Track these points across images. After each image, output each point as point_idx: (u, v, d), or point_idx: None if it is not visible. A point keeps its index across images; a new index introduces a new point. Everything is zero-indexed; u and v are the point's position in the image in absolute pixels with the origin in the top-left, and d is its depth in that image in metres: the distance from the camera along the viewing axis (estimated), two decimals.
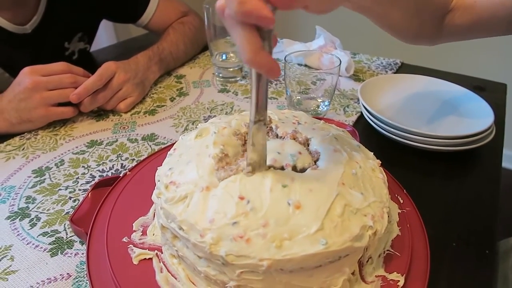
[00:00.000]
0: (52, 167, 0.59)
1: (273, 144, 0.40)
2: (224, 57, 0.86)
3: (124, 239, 0.41)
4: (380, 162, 0.42)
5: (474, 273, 0.44)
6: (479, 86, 0.85)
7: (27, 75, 0.64)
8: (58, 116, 0.68)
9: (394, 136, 0.62)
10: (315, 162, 0.38)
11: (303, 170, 0.37)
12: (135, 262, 0.39)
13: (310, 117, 0.48)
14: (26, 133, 0.67)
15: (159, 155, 0.56)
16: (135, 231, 0.43)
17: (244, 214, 0.33)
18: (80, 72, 0.69)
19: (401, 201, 0.47)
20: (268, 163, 0.37)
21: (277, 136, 0.43)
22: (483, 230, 0.50)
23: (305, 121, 0.46)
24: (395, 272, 0.38)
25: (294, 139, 0.43)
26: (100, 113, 0.74)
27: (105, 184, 0.51)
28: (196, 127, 0.46)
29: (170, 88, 0.84)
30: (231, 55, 0.86)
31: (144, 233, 0.42)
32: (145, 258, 0.39)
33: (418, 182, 0.57)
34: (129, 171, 0.53)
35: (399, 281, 0.37)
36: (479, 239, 0.48)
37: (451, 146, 0.59)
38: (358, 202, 0.35)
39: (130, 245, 0.41)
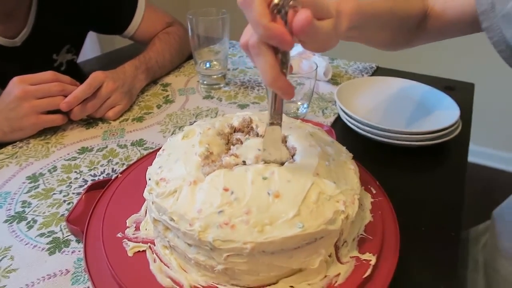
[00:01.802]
0: (45, 173, 0.62)
1: (254, 142, 0.44)
2: (208, 65, 0.90)
3: (118, 235, 0.44)
4: (352, 155, 0.46)
5: (442, 252, 0.48)
6: (449, 86, 0.90)
7: (16, 85, 0.67)
8: (48, 124, 0.70)
9: (369, 134, 0.67)
10: (292, 156, 0.42)
11: (282, 164, 0.41)
12: (130, 254, 0.42)
13: (288, 117, 0.52)
14: (18, 142, 0.69)
15: (148, 159, 0.59)
16: (128, 227, 0.46)
17: (228, 203, 0.36)
18: (67, 80, 0.72)
19: (374, 192, 0.51)
20: (249, 162, 0.41)
21: (257, 134, 0.47)
22: (450, 216, 0.54)
23: (283, 120, 0.50)
24: (368, 253, 0.41)
25: None
26: (89, 121, 0.76)
27: (98, 187, 0.54)
28: (182, 131, 0.49)
29: (157, 96, 0.88)
30: (215, 63, 0.89)
31: (137, 228, 0.46)
32: (139, 251, 0.42)
33: (392, 175, 0.61)
34: (121, 173, 0.56)
35: (371, 260, 0.41)
36: (447, 224, 0.52)
37: (421, 141, 0.64)
38: (331, 190, 0.39)
39: (125, 240, 0.44)
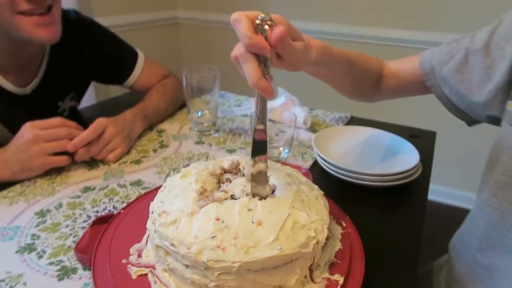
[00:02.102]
0: (52, 210, 0.68)
1: (241, 180, 0.53)
2: (199, 114, 1.00)
3: (123, 261, 0.51)
4: (323, 193, 0.55)
5: (401, 276, 0.56)
6: (414, 134, 1.02)
7: (28, 129, 0.75)
8: (55, 164, 0.78)
9: (342, 176, 0.76)
10: (272, 192, 0.51)
11: (264, 198, 0.50)
12: (134, 277, 0.49)
13: (271, 161, 0.61)
14: (25, 181, 0.76)
15: (146, 197, 0.66)
16: (131, 254, 0.52)
17: (220, 230, 0.44)
18: (73, 125, 0.80)
19: (344, 225, 0.60)
20: (238, 195, 0.50)
21: (243, 175, 0.56)
22: (411, 246, 0.62)
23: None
24: (337, 274, 0.49)
25: None
26: (91, 163, 0.84)
27: (102, 221, 0.61)
28: (177, 173, 0.58)
29: (152, 141, 0.96)
30: (206, 112, 0.99)
31: (139, 255, 0.52)
32: (142, 274, 0.49)
33: (361, 211, 0.70)
34: (123, 210, 0.63)
35: (339, 280, 0.48)
36: (407, 253, 0.61)
37: (386, 181, 0.74)
38: (304, 220, 0.47)
39: (129, 265, 0.50)
